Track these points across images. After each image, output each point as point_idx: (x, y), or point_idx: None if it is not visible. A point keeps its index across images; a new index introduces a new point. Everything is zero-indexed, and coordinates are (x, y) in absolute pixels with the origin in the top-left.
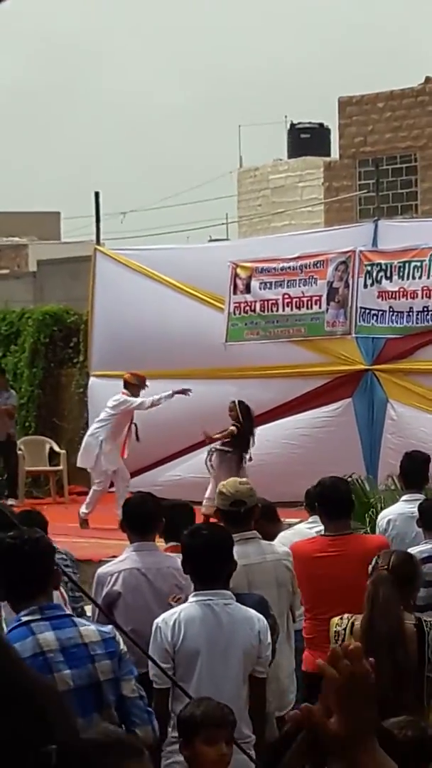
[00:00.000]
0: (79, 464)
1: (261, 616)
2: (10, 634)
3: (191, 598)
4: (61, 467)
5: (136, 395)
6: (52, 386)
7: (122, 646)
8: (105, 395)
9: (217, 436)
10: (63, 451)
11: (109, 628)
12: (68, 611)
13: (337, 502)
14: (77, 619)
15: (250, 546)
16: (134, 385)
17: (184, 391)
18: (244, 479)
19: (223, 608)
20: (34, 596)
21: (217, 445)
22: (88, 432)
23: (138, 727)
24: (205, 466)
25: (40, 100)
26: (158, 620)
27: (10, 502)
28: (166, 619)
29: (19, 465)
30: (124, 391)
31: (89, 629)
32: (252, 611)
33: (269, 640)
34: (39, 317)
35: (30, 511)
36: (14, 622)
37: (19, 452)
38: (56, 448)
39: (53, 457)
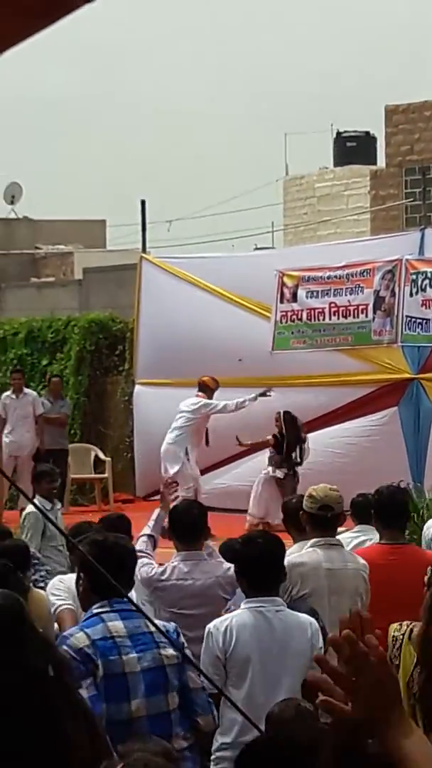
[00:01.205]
0: (163, 473)
1: (313, 620)
2: (83, 624)
3: (243, 605)
4: (106, 475)
5: (211, 399)
6: (97, 394)
7: (183, 639)
8: (150, 403)
9: (251, 443)
10: (108, 459)
11: (172, 624)
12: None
13: (394, 510)
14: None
15: (334, 552)
16: (211, 389)
17: (265, 393)
18: (334, 486)
19: (275, 614)
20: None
21: (270, 470)
22: (168, 440)
23: (200, 716)
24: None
25: (86, 108)
26: (210, 626)
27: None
28: (217, 625)
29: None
30: (200, 393)
31: (155, 621)
32: (303, 616)
33: (321, 644)
34: (85, 325)
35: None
36: (87, 615)
37: None
38: (101, 455)
39: (98, 464)
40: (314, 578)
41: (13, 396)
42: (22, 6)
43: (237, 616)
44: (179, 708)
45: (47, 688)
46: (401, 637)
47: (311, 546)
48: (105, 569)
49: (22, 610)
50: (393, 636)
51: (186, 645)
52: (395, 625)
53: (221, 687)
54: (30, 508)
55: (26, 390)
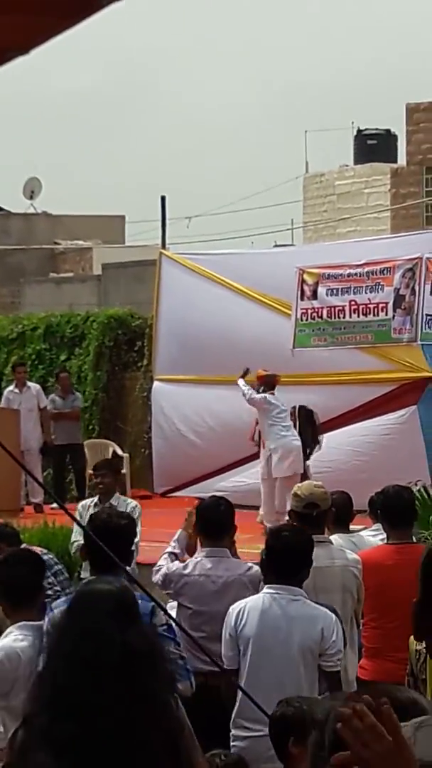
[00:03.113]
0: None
1: (329, 614)
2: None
3: (263, 590)
4: (124, 471)
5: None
6: (115, 390)
7: (162, 619)
8: (168, 399)
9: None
10: (126, 455)
11: (149, 605)
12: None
13: (400, 510)
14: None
15: (320, 549)
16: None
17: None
18: (319, 482)
19: (289, 603)
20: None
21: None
22: (293, 438)
23: (179, 682)
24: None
25: (107, 104)
26: (231, 607)
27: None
28: (235, 606)
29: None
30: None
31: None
32: (321, 609)
33: (335, 636)
34: (104, 320)
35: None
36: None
37: None
38: (119, 451)
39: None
40: None
41: (17, 390)
42: (49, 5)
43: (253, 599)
44: None
45: (148, 666)
46: (425, 651)
47: None
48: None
49: (132, 594)
50: (416, 650)
51: (203, 634)
52: None
53: (238, 664)
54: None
55: (29, 383)
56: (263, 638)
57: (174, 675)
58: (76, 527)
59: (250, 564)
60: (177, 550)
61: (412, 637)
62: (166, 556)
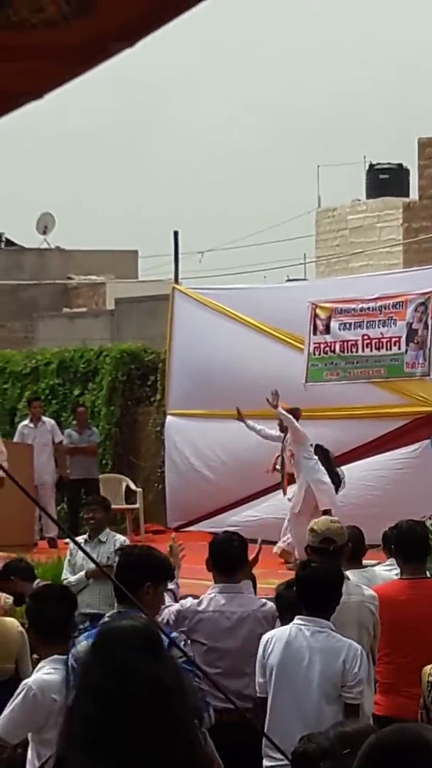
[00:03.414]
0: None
1: (354, 646)
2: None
3: (294, 621)
4: (137, 505)
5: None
6: (128, 424)
7: (179, 653)
8: (181, 433)
9: (278, 468)
10: (139, 490)
11: (176, 633)
12: None
13: (413, 545)
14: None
15: None
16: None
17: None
18: (335, 518)
19: (314, 634)
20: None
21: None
22: (324, 473)
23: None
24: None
25: (119, 138)
26: (264, 635)
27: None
28: (266, 635)
29: None
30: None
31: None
32: (346, 641)
33: (357, 669)
34: (116, 355)
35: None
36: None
37: None
38: (132, 486)
39: (129, 495)
40: None
41: (32, 425)
42: (62, 52)
43: (282, 629)
44: None
45: (177, 699)
46: None
47: None
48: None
49: (156, 630)
50: (428, 681)
51: (218, 670)
52: (428, 669)
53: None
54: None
55: (44, 418)
56: (285, 667)
57: (200, 709)
58: (66, 565)
59: (264, 600)
60: (172, 586)
61: (425, 668)
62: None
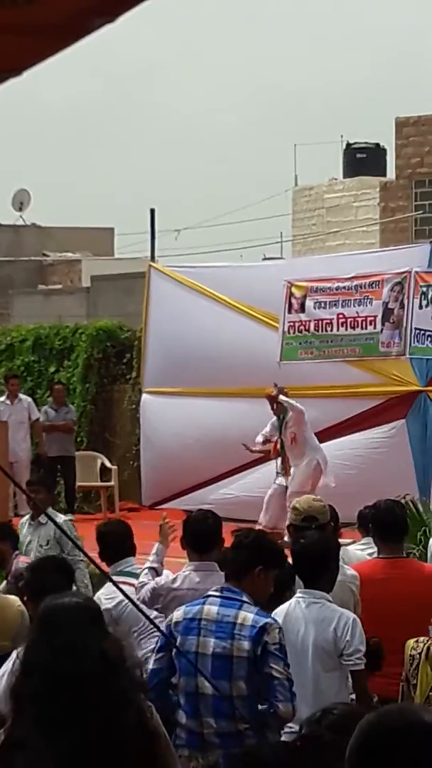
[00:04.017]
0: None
1: (345, 614)
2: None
3: (296, 594)
4: (112, 483)
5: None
6: (104, 402)
7: (276, 638)
8: (157, 412)
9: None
10: (114, 467)
11: (270, 619)
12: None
13: (392, 525)
14: (247, 605)
15: None
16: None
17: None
18: (318, 497)
19: (309, 605)
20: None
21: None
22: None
23: (281, 702)
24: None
25: (97, 116)
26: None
27: (69, 516)
28: (275, 611)
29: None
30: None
31: (248, 615)
32: (338, 610)
33: (350, 636)
34: (92, 333)
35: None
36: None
37: None
38: (108, 463)
39: (104, 472)
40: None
41: (8, 402)
42: (43, 27)
43: (286, 604)
44: (247, 695)
45: (123, 673)
46: (418, 656)
47: None
48: None
49: (99, 608)
50: (410, 655)
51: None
52: (412, 642)
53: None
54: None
55: (21, 395)
56: (287, 641)
57: (146, 682)
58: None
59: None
60: (156, 564)
61: (408, 642)
62: (146, 571)
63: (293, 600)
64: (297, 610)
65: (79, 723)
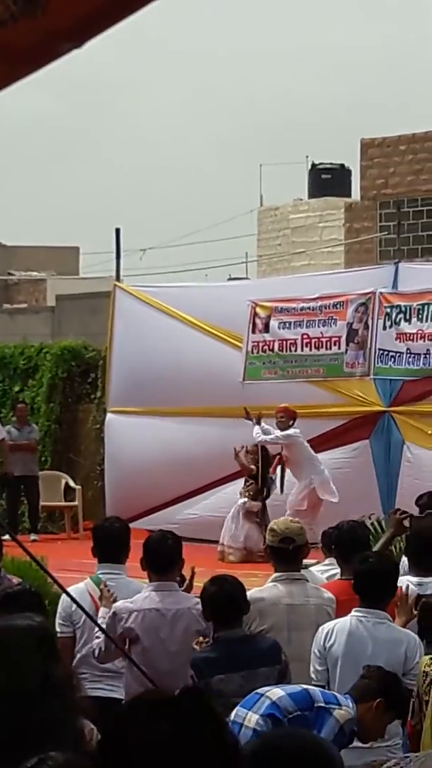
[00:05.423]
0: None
1: (412, 637)
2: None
3: (352, 613)
4: (76, 503)
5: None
6: (68, 421)
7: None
8: (121, 431)
9: (243, 463)
10: (78, 487)
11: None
12: None
13: (354, 546)
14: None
15: (295, 586)
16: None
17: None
18: (295, 518)
19: (375, 625)
20: None
21: (246, 501)
22: (323, 470)
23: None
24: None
25: (62, 135)
26: (320, 627)
27: (32, 537)
28: (324, 626)
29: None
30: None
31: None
32: (404, 632)
33: (417, 658)
34: (57, 352)
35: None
36: None
37: None
38: (72, 483)
39: (69, 492)
40: (273, 614)
41: None
42: (9, 53)
43: (341, 621)
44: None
45: (64, 698)
46: None
47: (272, 581)
48: None
49: (49, 628)
50: (424, 671)
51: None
52: (426, 659)
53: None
54: None
55: None
56: (351, 657)
57: (85, 708)
58: None
59: (197, 599)
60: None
61: (423, 658)
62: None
63: (351, 619)
64: (361, 629)
65: (15, 741)
